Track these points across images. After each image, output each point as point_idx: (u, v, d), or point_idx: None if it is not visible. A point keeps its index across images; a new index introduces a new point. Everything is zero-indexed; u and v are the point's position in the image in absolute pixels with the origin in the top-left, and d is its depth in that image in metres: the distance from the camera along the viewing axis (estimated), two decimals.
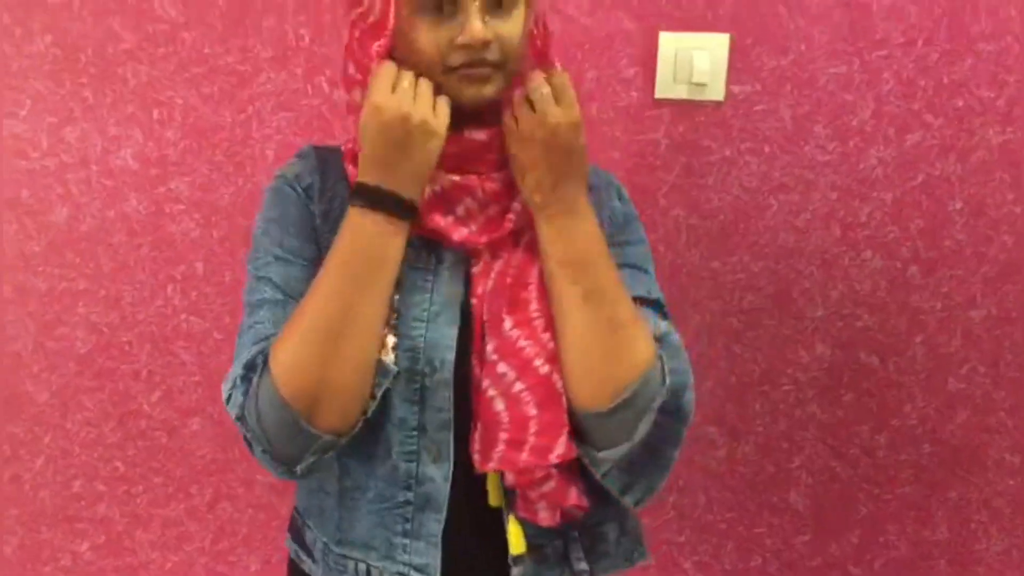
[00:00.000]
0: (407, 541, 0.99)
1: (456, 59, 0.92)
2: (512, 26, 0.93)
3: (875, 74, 1.46)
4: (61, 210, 1.60)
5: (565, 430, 0.94)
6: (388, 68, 0.92)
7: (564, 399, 0.94)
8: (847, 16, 1.44)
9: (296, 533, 1.11)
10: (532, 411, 0.94)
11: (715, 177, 1.52)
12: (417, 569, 0.98)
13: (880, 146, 1.48)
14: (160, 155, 1.58)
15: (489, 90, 0.94)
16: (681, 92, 1.49)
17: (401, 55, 0.94)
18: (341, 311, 0.91)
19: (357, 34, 0.97)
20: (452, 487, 0.97)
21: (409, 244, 0.95)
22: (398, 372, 0.95)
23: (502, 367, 0.95)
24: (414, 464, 0.98)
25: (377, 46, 0.94)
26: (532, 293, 0.97)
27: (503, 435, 0.94)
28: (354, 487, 1.01)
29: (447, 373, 0.96)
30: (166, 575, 1.74)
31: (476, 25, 0.90)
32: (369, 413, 0.94)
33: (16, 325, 1.65)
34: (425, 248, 0.99)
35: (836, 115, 1.48)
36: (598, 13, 1.47)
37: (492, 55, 0.92)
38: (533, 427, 0.93)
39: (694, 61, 1.47)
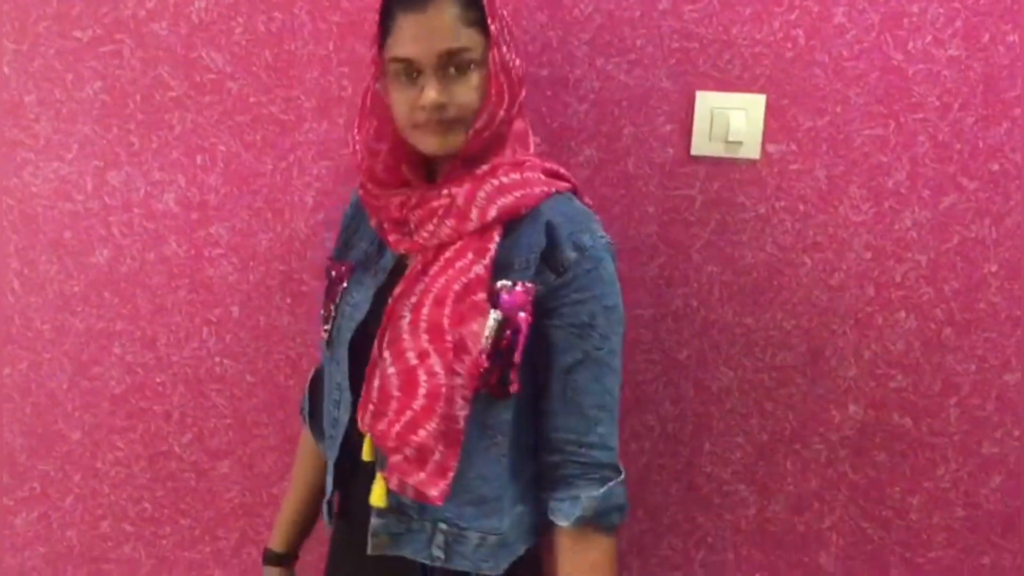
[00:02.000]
0: (329, 465, 1.29)
1: (420, 117, 1.14)
2: (466, 89, 1.14)
3: (910, 136, 1.47)
4: (102, 251, 1.63)
5: (407, 415, 1.12)
6: None
7: (419, 390, 1.11)
8: (883, 79, 1.46)
9: None
10: (395, 392, 1.13)
11: (749, 234, 1.53)
12: (328, 487, 1.29)
13: (915, 208, 1.49)
14: (201, 200, 1.60)
15: (450, 141, 1.15)
16: (717, 150, 1.51)
17: (383, 120, 1.20)
18: None
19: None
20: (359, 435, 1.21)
21: (374, 245, 1.27)
22: (330, 340, 1.27)
23: (385, 353, 1.16)
24: (336, 409, 1.27)
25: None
26: (428, 300, 1.15)
27: (371, 407, 1.16)
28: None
29: (345, 348, 1.23)
30: None
31: (430, 93, 1.12)
32: None
33: (52, 364, 1.67)
34: (379, 250, 1.27)
35: (871, 176, 1.49)
36: (636, 71, 1.50)
37: (449, 113, 1.13)
38: (393, 405, 1.13)
39: (730, 120, 1.48)
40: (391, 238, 1.22)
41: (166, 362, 1.66)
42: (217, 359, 1.65)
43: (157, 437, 1.69)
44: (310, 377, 1.42)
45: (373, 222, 1.25)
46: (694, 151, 1.51)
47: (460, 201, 1.16)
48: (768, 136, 1.50)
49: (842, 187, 1.50)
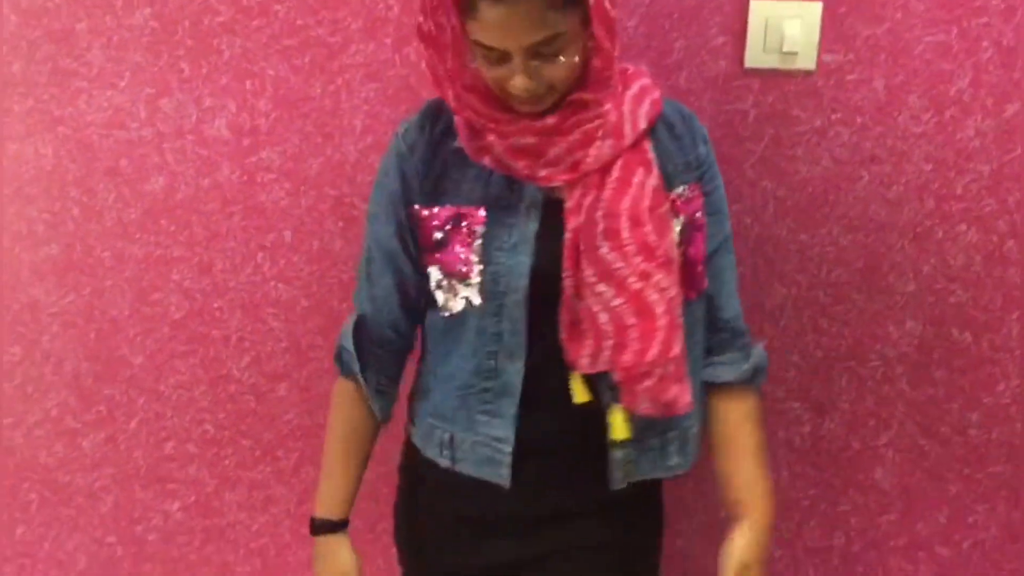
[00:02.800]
0: (487, 419, 1.23)
1: (510, 93, 1.11)
2: (557, 69, 1.10)
3: (974, 42, 1.42)
4: (157, 179, 1.65)
5: (659, 335, 1.13)
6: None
7: (657, 309, 1.13)
8: None
9: (409, 405, 1.38)
10: (631, 320, 1.14)
11: (804, 148, 1.50)
12: (497, 439, 1.22)
13: (978, 116, 1.44)
14: (252, 125, 1.61)
15: (544, 103, 1.13)
16: (771, 61, 1.47)
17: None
18: None
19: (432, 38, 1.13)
20: (530, 381, 1.20)
21: (496, 183, 1.20)
22: (481, 292, 1.20)
23: (601, 287, 1.14)
24: (493, 362, 1.21)
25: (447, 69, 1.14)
26: (624, 223, 1.14)
27: (608, 342, 1.14)
28: (448, 375, 1.26)
29: (521, 295, 1.18)
30: (253, 536, 1.79)
31: (520, 81, 1.09)
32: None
33: (113, 291, 1.71)
34: (508, 187, 1.20)
35: (932, 85, 1.44)
36: None
37: (540, 91, 1.11)
38: (633, 334, 1.14)
39: (785, 30, 1.45)
40: (542, 173, 1.16)
41: (223, 287, 1.69)
42: (272, 284, 1.68)
43: (216, 361, 1.72)
44: (351, 331, 1.31)
45: (488, 159, 1.18)
46: (748, 63, 1.48)
47: (613, 118, 1.16)
48: (824, 46, 1.46)
49: (901, 97, 1.46)
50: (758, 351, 1.30)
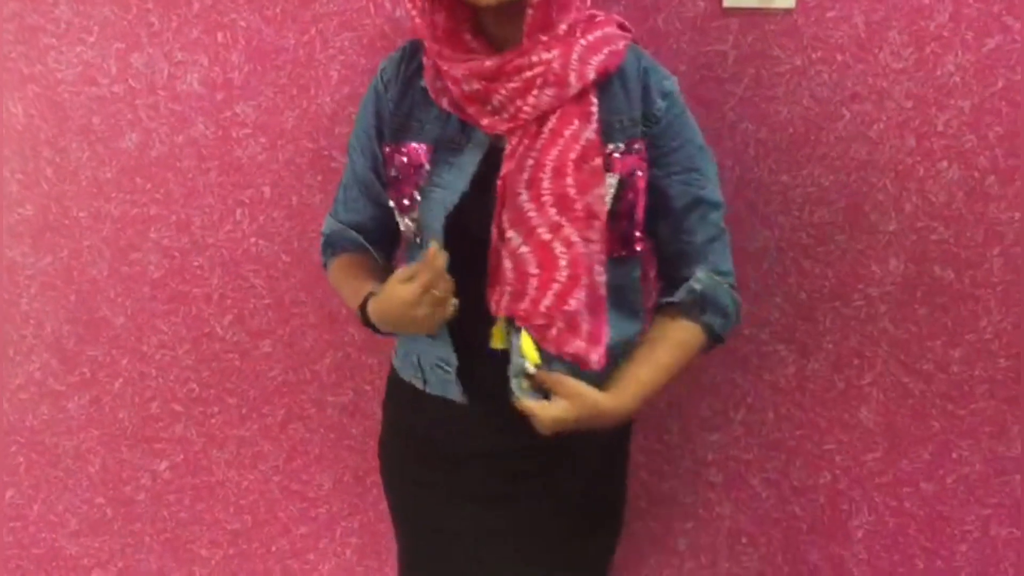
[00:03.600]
0: (430, 340, 1.26)
1: None
2: None
3: None
4: (131, 136, 1.62)
5: (554, 287, 1.13)
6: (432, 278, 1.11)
7: (560, 262, 1.13)
8: None
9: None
10: (533, 270, 1.14)
11: (785, 88, 1.49)
12: (443, 359, 1.27)
13: (958, 51, 1.43)
14: (225, 79, 1.58)
15: None
16: (750, 0, 1.45)
17: None
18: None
19: None
20: (465, 324, 1.19)
21: (452, 125, 1.21)
22: (416, 225, 1.24)
23: (511, 233, 1.15)
24: None
25: None
26: (547, 173, 1.14)
27: (507, 288, 1.15)
28: None
29: (438, 228, 1.20)
30: (242, 493, 1.79)
31: None
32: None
33: (92, 251, 1.69)
34: (460, 129, 1.21)
35: (912, 20, 1.43)
36: None
37: None
38: (533, 283, 1.14)
39: None
40: (484, 121, 1.17)
41: (202, 245, 1.67)
42: (252, 240, 1.66)
43: (199, 319, 1.71)
44: (335, 228, 1.37)
45: (446, 101, 1.20)
46: (727, 3, 1.46)
47: (557, 66, 1.12)
48: None
49: (881, 33, 1.44)
50: (711, 282, 1.24)
